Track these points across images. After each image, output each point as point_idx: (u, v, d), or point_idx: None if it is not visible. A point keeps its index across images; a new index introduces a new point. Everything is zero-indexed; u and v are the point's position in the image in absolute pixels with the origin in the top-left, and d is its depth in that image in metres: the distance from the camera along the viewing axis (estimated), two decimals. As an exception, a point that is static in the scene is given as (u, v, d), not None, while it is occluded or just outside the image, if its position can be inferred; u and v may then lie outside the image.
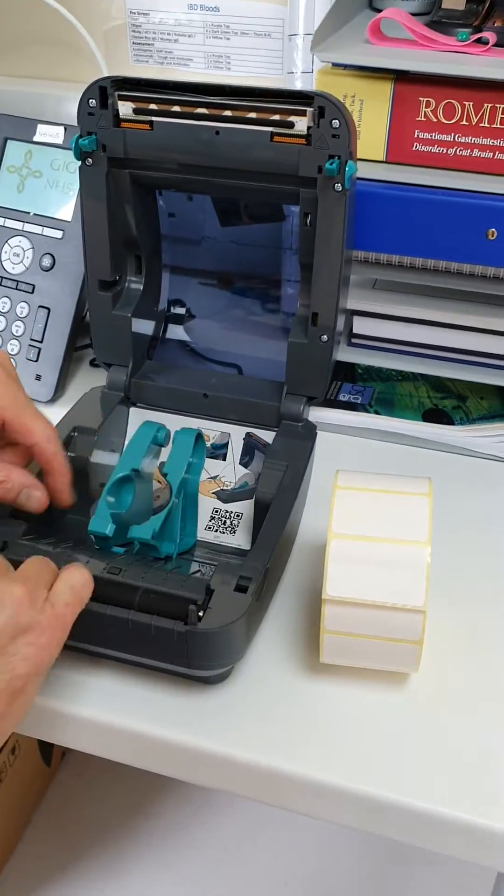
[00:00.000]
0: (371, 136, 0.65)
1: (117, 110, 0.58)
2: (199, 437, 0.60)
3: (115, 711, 0.52)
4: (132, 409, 0.67)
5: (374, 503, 0.52)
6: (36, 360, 0.78)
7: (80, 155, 0.59)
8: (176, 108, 0.57)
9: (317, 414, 0.76)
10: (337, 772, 0.49)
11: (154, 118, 0.57)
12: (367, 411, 0.77)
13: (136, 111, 0.58)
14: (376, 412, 0.76)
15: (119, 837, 1.26)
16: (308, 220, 0.58)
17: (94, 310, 0.65)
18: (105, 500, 0.56)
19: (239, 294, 0.76)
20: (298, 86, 0.83)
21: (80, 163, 0.60)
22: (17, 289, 0.79)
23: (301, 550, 0.62)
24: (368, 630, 0.50)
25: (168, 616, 0.48)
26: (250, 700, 0.52)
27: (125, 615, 0.48)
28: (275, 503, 0.57)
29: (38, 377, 0.78)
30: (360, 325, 0.75)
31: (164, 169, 0.60)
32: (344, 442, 0.76)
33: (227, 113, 0.56)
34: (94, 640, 0.51)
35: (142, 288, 0.66)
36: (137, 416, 0.67)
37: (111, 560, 0.52)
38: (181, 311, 0.74)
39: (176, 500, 0.57)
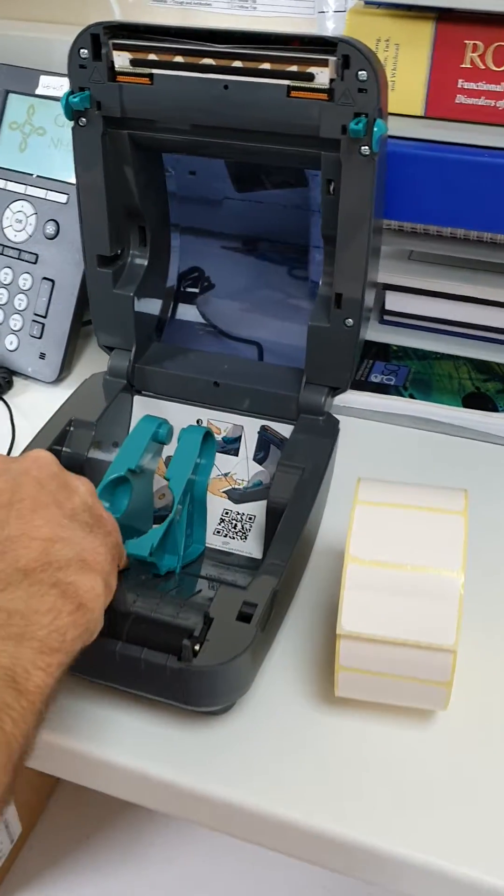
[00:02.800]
0: (407, 88, 0.57)
1: (112, 62, 0.51)
2: (209, 435, 0.54)
3: (104, 743, 0.46)
4: (137, 398, 0.61)
5: (399, 522, 0.45)
6: (39, 337, 0.72)
7: (72, 114, 0.52)
8: (179, 59, 0.49)
9: (344, 397, 0.69)
10: (351, 824, 0.43)
11: (154, 71, 0.50)
12: (401, 394, 0.69)
13: (133, 62, 0.50)
14: (411, 396, 0.69)
15: (140, 809, 1.23)
16: (331, 188, 0.51)
17: (94, 288, 0.58)
18: None
19: (264, 260, 0.69)
20: (330, 28, 0.74)
21: (72, 123, 0.53)
22: (19, 258, 0.73)
23: (320, 557, 0.56)
24: (390, 669, 0.44)
25: (162, 648, 0.43)
26: (256, 734, 0.47)
27: (112, 647, 0.43)
28: (289, 511, 0.51)
29: (43, 355, 0.72)
30: (394, 301, 0.68)
31: (168, 129, 0.52)
32: (374, 429, 0.69)
33: (238, 64, 0.48)
34: (79, 667, 0.45)
35: (146, 263, 0.59)
36: (142, 406, 0.61)
37: None
38: (198, 281, 0.67)
39: (180, 507, 0.51)
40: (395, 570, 0.43)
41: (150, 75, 0.50)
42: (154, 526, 0.52)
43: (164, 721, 0.47)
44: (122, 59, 0.50)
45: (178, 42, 0.49)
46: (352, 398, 0.69)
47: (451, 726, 0.47)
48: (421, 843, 0.42)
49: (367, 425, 0.69)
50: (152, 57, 0.50)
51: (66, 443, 0.56)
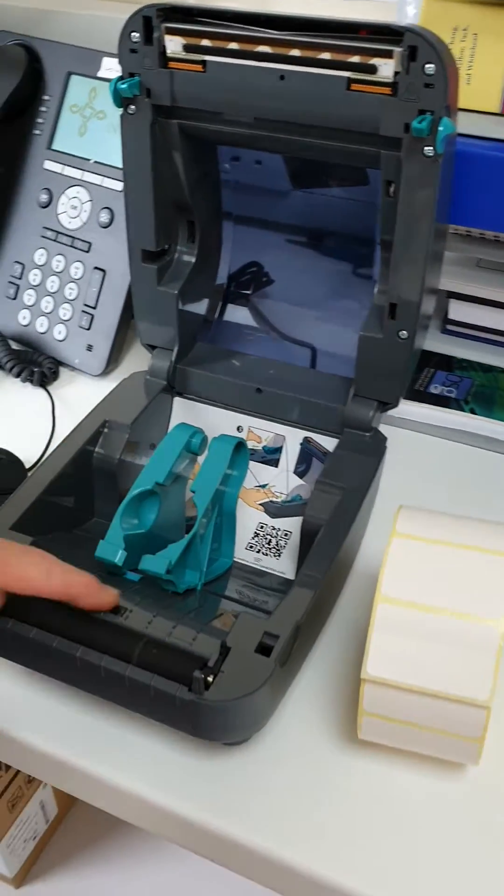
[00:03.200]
0: (484, 82, 0.53)
1: (164, 47, 0.48)
2: (241, 446, 0.51)
3: (109, 764, 0.44)
4: (177, 400, 0.58)
5: (439, 560, 0.41)
6: (88, 329, 0.70)
7: (121, 101, 0.50)
8: (233, 46, 0.46)
9: (399, 407, 0.65)
10: (361, 879, 0.40)
11: (207, 57, 0.47)
12: (462, 409, 0.65)
13: (186, 48, 0.47)
14: (472, 411, 0.65)
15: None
16: (391, 190, 0.47)
17: (137, 284, 0.56)
18: (119, 520, 0.47)
19: (329, 257, 0.65)
20: (410, 14, 0.69)
21: (121, 111, 0.50)
22: (72, 246, 0.71)
23: (359, 580, 0.53)
24: (417, 719, 0.40)
25: (173, 676, 0.40)
26: (272, 769, 0.44)
27: (121, 670, 0.40)
28: (324, 533, 0.48)
29: (90, 347, 0.70)
30: (458, 311, 0.63)
31: (219, 120, 0.49)
32: (429, 444, 0.65)
33: (295, 52, 0.45)
34: (89, 686, 0.43)
35: (194, 260, 0.56)
36: (182, 408, 0.58)
37: (120, 592, 0.44)
38: (256, 277, 0.64)
39: (204, 521, 0.48)
40: (429, 614, 0.40)
41: (203, 62, 0.47)
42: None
43: (176, 746, 0.44)
44: (174, 45, 0.47)
45: (234, 27, 0.45)
46: (407, 409, 0.65)
47: (483, 781, 0.44)
48: (437, 912, 0.39)
49: (422, 440, 0.65)
50: (206, 43, 0.46)
51: (100, 444, 0.54)
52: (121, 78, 0.49)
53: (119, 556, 0.46)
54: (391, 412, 0.63)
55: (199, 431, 0.51)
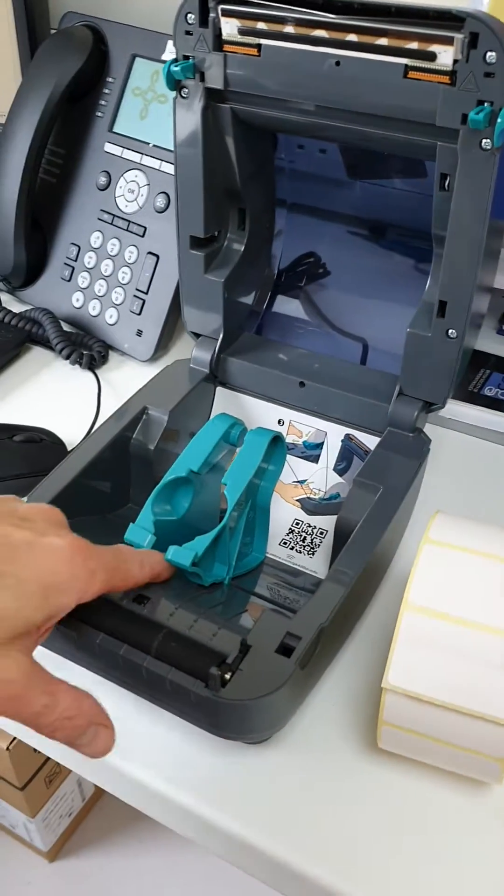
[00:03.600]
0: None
1: (219, 29, 0.47)
2: (279, 440, 0.50)
3: (126, 756, 0.44)
4: (219, 390, 0.57)
5: (472, 570, 0.40)
6: (139, 314, 0.70)
7: (174, 84, 0.49)
8: (289, 30, 0.45)
9: (451, 408, 0.63)
10: (373, 890, 0.39)
11: (262, 41, 0.46)
12: (516, 413, 0.63)
13: (241, 31, 0.46)
14: (526, 415, 0.63)
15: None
16: (446, 183, 0.45)
17: (184, 270, 0.55)
18: (151, 505, 0.47)
19: (390, 250, 0.64)
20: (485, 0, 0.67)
21: (174, 94, 0.49)
22: (127, 230, 0.70)
23: (395, 584, 0.51)
24: (438, 733, 0.39)
25: (191, 671, 0.40)
26: (290, 771, 0.43)
27: (139, 660, 0.40)
28: (357, 534, 0.46)
29: (140, 332, 0.70)
30: (515, 311, 0.61)
31: (273, 106, 0.48)
32: (480, 448, 0.63)
33: (352, 38, 0.43)
34: (110, 675, 0.43)
35: (243, 249, 0.55)
36: (224, 398, 0.58)
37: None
38: (313, 267, 0.63)
39: (234, 514, 0.47)
40: (457, 626, 0.38)
41: (258, 46, 0.46)
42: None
43: (195, 740, 0.44)
44: (229, 27, 0.46)
45: (290, 10, 0.44)
46: (459, 410, 0.63)
47: (507, 801, 0.42)
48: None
49: (473, 443, 0.63)
50: (261, 26, 0.45)
51: (138, 430, 0.53)
52: (174, 60, 0.48)
53: (148, 541, 0.46)
54: (442, 412, 0.61)
55: (238, 423, 0.50)
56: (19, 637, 0.34)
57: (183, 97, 0.49)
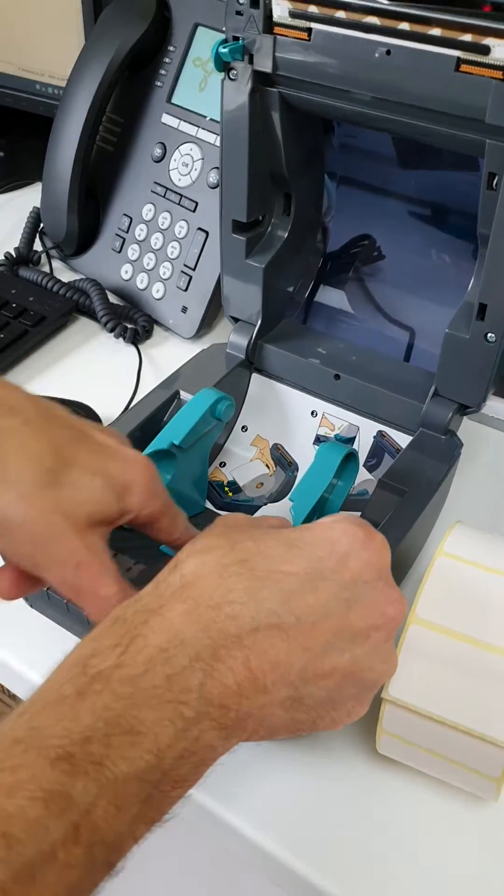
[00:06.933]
0: None
1: (271, 10, 0.45)
2: (352, 457, 0.48)
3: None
4: (254, 377, 0.57)
5: (483, 587, 0.39)
6: (185, 290, 0.69)
7: (222, 65, 0.48)
8: (341, 15, 0.43)
9: (492, 405, 0.62)
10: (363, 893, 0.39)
11: (313, 25, 0.44)
12: None
13: (292, 14, 0.45)
14: None
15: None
16: (494, 182, 0.44)
17: (226, 254, 0.54)
18: None
19: (450, 235, 0.62)
20: None
21: (222, 75, 0.48)
22: (179, 204, 0.70)
23: (412, 586, 0.51)
24: (436, 747, 0.39)
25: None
26: (287, 768, 0.43)
27: None
28: (379, 536, 0.46)
29: (185, 309, 0.69)
30: None
31: (322, 92, 0.46)
32: (520, 447, 0.61)
33: (404, 26, 0.42)
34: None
35: (286, 235, 0.54)
36: (259, 385, 0.57)
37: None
38: (367, 251, 0.62)
39: None
40: (462, 644, 0.38)
41: (309, 30, 0.44)
42: None
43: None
44: (280, 9, 0.45)
45: (343, -5, 0.43)
46: (500, 408, 0.62)
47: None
48: None
49: (514, 442, 0.61)
50: (313, 9, 0.44)
51: (169, 414, 0.53)
52: (223, 41, 0.47)
53: None
54: (484, 410, 0.60)
55: (226, 398, 0.49)
56: (97, 524, 0.37)
57: (231, 79, 0.48)
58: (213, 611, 0.32)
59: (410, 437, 0.52)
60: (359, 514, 0.51)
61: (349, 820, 0.42)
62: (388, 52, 0.43)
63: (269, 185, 0.53)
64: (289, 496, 0.46)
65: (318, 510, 0.47)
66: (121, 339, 0.70)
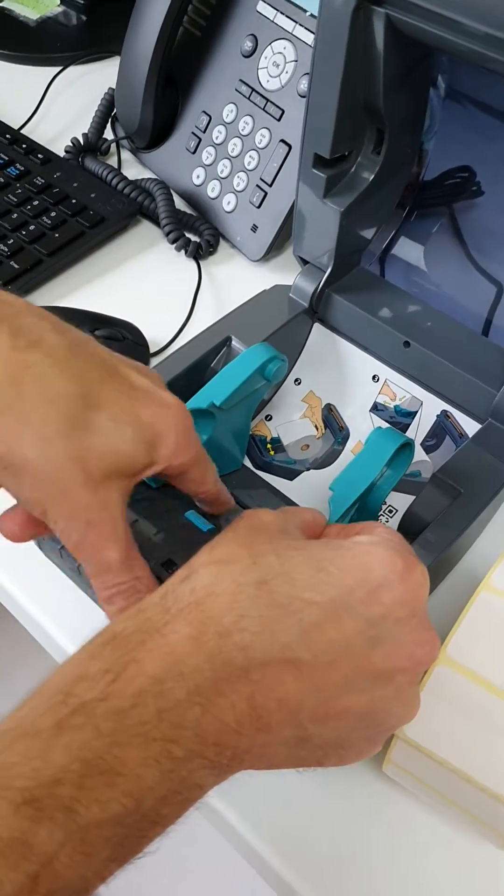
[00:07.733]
0: None
1: None
2: (408, 447, 0.43)
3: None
4: (316, 327, 0.52)
5: (525, 631, 0.35)
6: (258, 207, 0.63)
7: (325, -27, 0.40)
8: None
9: None
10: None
11: None
12: None
13: None
14: None
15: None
16: None
17: (302, 188, 0.48)
18: None
19: None
20: None
21: (323, -16, 0.41)
22: (264, 109, 0.63)
23: (451, 587, 0.47)
24: (444, 790, 0.36)
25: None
26: (295, 780, 0.41)
27: None
28: (425, 536, 0.42)
29: (255, 228, 0.63)
30: None
31: (435, 20, 0.39)
32: None
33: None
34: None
35: (372, 177, 0.47)
36: (320, 337, 0.52)
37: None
38: (462, 186, 0.55)
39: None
40: (487, 692, 0.34)
41: None
42: None
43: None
44: None
45: None
46: None
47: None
48: None
49: None
50: None
51: (217, 360, 0.49)
52: None
53: None
54: None
55: (279, 357, 0.44)
56: (120, 477, 0.34)
57: (333, -10, 0.41)
58: (220, 638, 0.29)
59: (477, 425, 0.47)
60: (409, 497, 0.47)
61: (350, 836, 0.40)
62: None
63: (361, 117, 0.46)
64: (329, 485, 0.42)
65: (362, 500, 0.43)
66: (182, 253, 0.64)
